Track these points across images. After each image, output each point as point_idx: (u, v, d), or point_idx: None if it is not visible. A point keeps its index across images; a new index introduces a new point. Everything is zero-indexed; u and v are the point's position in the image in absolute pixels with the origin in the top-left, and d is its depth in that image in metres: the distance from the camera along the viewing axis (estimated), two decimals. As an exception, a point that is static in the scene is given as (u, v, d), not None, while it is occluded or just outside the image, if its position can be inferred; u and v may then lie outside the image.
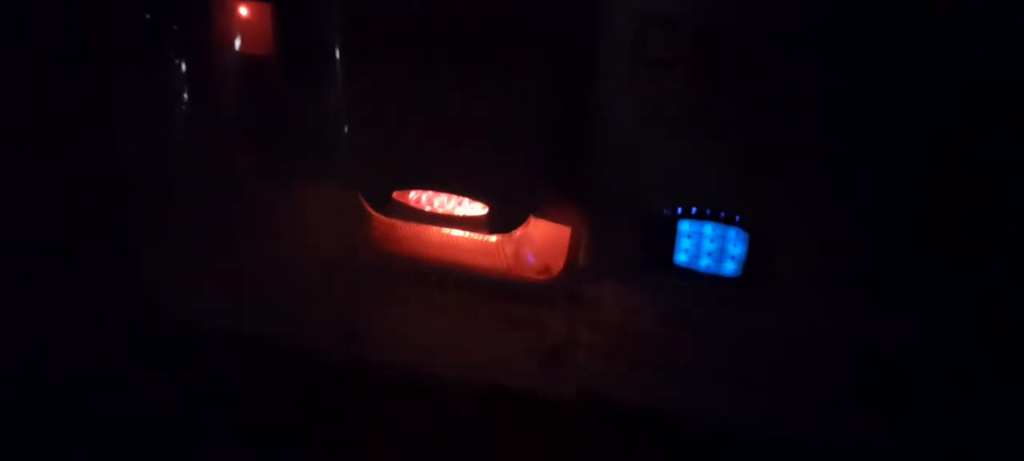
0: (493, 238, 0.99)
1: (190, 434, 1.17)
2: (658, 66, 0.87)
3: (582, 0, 0.87)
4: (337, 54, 0.97)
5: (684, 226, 0.91)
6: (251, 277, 1.16)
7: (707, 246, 0.91)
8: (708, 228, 0.91)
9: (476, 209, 0.96)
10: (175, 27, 1.08)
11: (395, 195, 0.97)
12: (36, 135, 1.15)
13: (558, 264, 1.01)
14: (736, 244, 0.90)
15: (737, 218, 0.89)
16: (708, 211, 0.90)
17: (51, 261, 1.19)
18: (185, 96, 1.11)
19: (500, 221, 0.96)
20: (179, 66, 1.09)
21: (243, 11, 1.04)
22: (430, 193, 0.97)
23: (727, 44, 0.83)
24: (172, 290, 1.20)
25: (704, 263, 0.92)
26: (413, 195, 0.97)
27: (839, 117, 0.83)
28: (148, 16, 1.08)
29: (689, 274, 0.93)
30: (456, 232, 1.00)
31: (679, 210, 0.91)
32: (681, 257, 0.93)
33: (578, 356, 1.04)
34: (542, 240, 1.01)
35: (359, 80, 0.96)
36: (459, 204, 0.96)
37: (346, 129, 0.99)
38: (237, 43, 1.06)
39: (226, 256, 1.17)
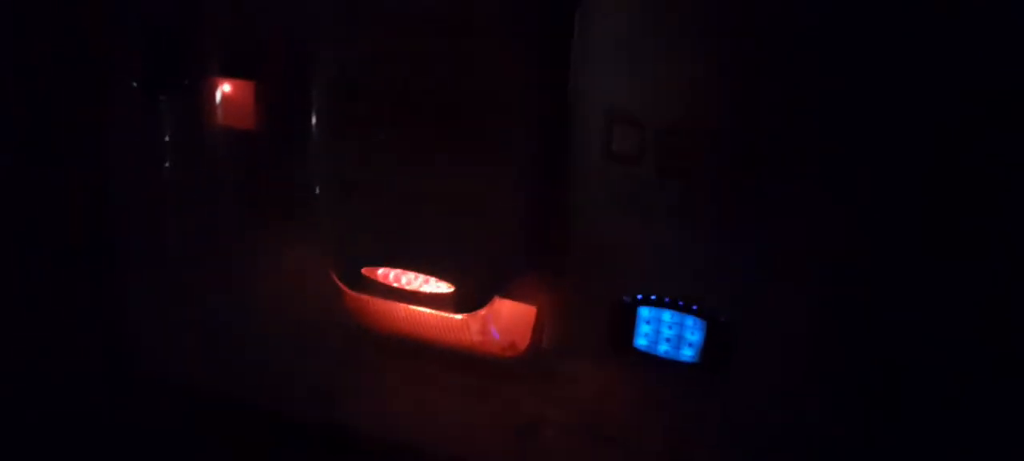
0: (458, 316, 1.01)
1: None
2: (624, 160, 0.89)
3: (555, 96, 0.91)
4: (313, 132, 1.00)
5: (644, 312, 0.93)
6: (228, 335, 1.19)
7: (665, 332, 0.93)
8: (666, 315, 0.92)
9: (442, 288, 0.98)
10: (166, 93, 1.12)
11: (364, 272, 0.99)
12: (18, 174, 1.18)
13: (524, 341, 1.02)
14: (693, 332, 0.92)
15: (694, 307, 0.91)
16: (667, 299, 0.92)
17: (32, 307, 1.22)
18: (169, 159, 1.15)
19: (465, 300, 0.97)
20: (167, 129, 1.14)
21: (227, 88, 1.08)
22: (398, 270, 0.99)
23: (686, 142, 0.86)
24: (151, 342, 1.23)
25: (663, 349, 0.93)
26: (381, 272, 0.99)
27: (806, 209, 0.85)
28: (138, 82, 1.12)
29: (649, 359, 0.94)
30: (424, 309, 1.03)
31: (639, 297, 0.93)
32: (641, 341, 0.94)
33: (546, 433, 1.06)
34: (509, 318, 1.03)
35: (331, 158, 0.99)
36: (426, 282, 0.98)
37: (320, 206, 1.02)
38: (221, 116, 1.10)
39: (205, 313, 1.20)
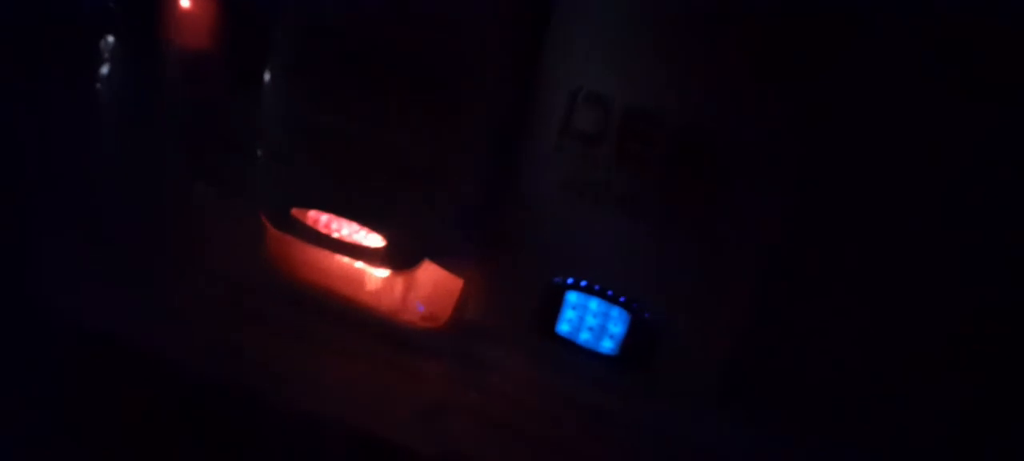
0: (385, 274, 0.99)
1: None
2: (584, 139, 0.90)
3: (519, 67, 0.92)
4: (266, 64, 0.98)
5: (571, 297, 0.94)
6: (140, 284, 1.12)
7: (590, 321, 0.94)
8: (593, 303, 0.93)
9: (374, 241, 0.96)
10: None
11: (295, 213, 0.97)
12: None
13: (445, 314, 1.01)
14: (617, 324, 0.93)
15: (622, 299, 0.92)
16: (596, 287, 0.93)
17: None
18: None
19: (395, 257, 0.96)
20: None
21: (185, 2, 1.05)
22: (330, 217, 0.97)
23: (651, 129, 0.88)
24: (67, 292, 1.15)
25: (584, 337, 0.94)
26: (313, 216, 0.97)
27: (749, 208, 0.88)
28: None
29: (569, 345, 0.95)
30: (351, 263, 1.00)
31: (570, 280, 0.93)
32: (563, 327, 0.94)
33: (452, 414, 1.04)
34: (434, 287, 1.02)
35: (280, 92, 0.97)
36: (357, 233, 0.96)
37: (259, 139, 0.99)
38: (172, 37, 1.06)
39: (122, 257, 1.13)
